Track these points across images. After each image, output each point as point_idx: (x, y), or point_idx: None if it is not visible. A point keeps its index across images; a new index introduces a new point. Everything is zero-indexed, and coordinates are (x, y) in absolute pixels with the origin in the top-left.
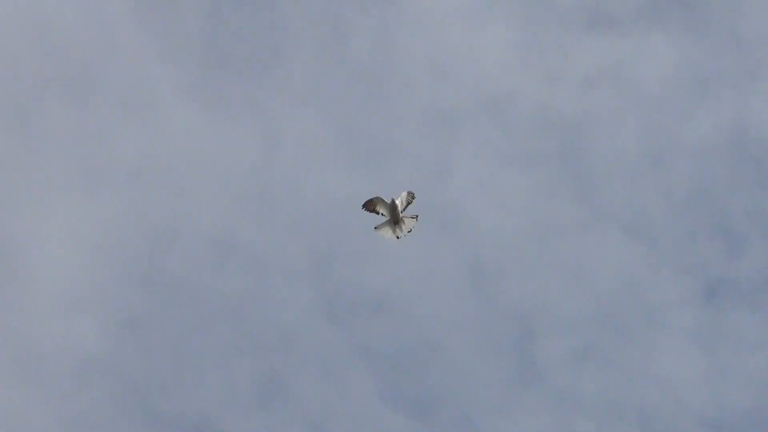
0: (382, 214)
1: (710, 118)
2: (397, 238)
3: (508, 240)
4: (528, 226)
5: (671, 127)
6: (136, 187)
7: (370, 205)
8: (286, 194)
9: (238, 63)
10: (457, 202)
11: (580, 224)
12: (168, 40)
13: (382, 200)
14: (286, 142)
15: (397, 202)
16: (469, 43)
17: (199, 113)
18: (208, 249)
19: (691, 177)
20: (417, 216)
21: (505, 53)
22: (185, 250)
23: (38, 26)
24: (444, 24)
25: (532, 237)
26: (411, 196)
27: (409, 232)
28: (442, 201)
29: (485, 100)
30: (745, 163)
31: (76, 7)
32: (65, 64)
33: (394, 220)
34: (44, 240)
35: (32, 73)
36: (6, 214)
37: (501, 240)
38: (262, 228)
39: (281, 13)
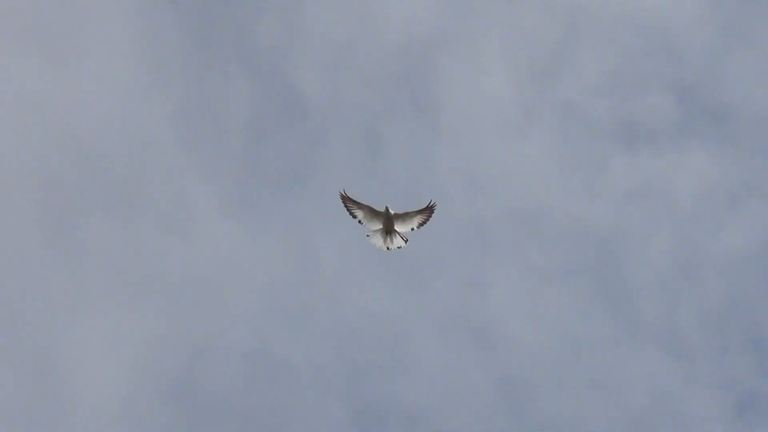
0: (360, 222)
1: (742, 232)
2: (387, 249)
3: (541, 354)
4: (560, 340)
5: (703, 240)
6: (174, 303)
7: (351, 204)
8: (322, 308)
9: (275, 178)
10: (492, 316)
11: (612, 338)
12: (206, 157)
13: (372, 209)
14: (323, 256)
15: (392, 212)
16: (505, 156)
17: (236, 228)
18: (244, 364)
19: (723, 291)
20: (407, 240)
21: (541, 167)
22: (222, 365)
23: (80, 144)
24: (480, 137)
25: (564, 351)
26: (426, 217)
27: (398, 248)
28: (477, 315)
29: (521, 214)
30: None
31: (118, 125)
32: (107, 181)
33: (387, 230)
34: (83, 356)
35: (75, 190)
36: (45, 330)
37: (534, 354)
38: (297, 342)
39: (317, 128)
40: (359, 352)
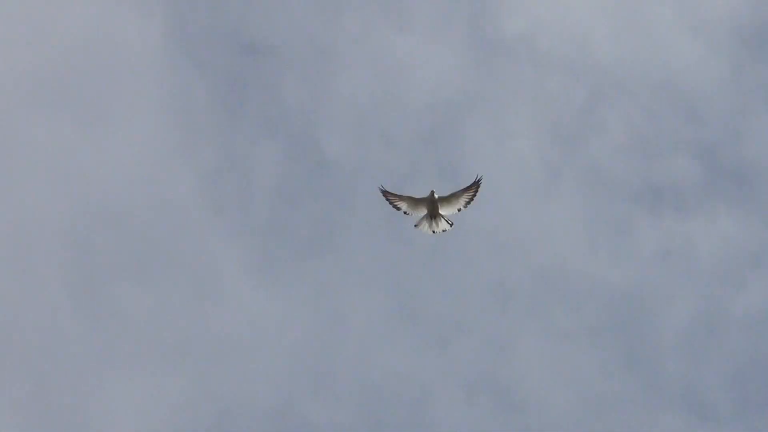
0: (405, 213)
1: (762, 293)
2: (433, 233)
3: (565, 415)
4: (584, 401)
5: (726, 301)
6: (201, 365)
7: (392, 197)
8: (347, 369)
9: (302, 240)
10: (515, 377)
11: (636, 399)
12: (234, 219)
13: (413, 198)
14: (348, 318)
15: (436, 196)
16: (531, 218)
17: (263, 291)
18: (270, 424)
19: (746, 351)
20: (453, 224)
21: (566, 229)
22: (248, 425)
23: (109, 207)
24: (506, 199)
25: (587, 412)
26: (472, 194)
27: (443, 231)
28: (501, 376)
29: (545, 275)
30: None
31: (146, 188)
32: (135, 243)
33: (432, 214)
34: (111, 419)
35: (103, 253)
36: (74, 394)
37: (557, 415)
38: (322, 403)
39: (343, 190)
40: (383, 412)
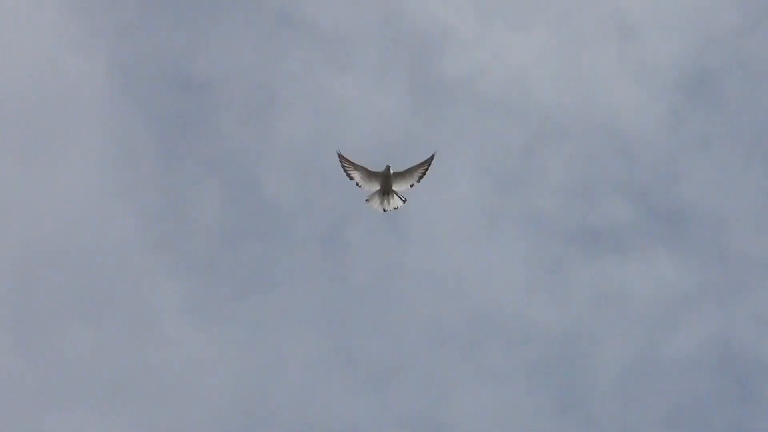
0: (357, 184)
1: (695, 335)
2: (384, 210)
3: None
4: None
5: (659, 343)
6: (142, 405)
7: (348, 165)
8: (285, 410)
9: (240, 280)
10: (452, 417)
11: None
12: (174, 259)
13: (369, 171)
14: (286, 358)
15: (391, 171)
16: (469, 261)
17: (202, 330)
18: None
19: (678, 393)
20: (406, 200)
21: (504, 272)
22: None
23: (49, 246)
24: (444, 241)
25: None
26: (426, 167)
27: (395, 209)
28: (438, 416)
29: (483, 317)
30: (728, 379)
31: (87, 227)
32: (75, 282)
33: (385, 190)
34: None
35: (43, 291)
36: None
37: None
38: None
39: (283, 231)
40: None
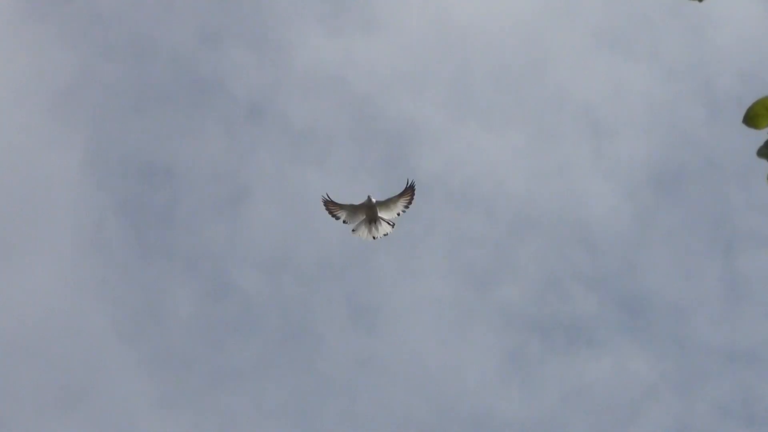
0: (344, 222)
1: (656, 424)
2: (374, 238)
3: None
4: None
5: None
6: None
7: (333, 207)
8: None
9: (212, 374)
10: None
11: None
12: (145, 353)
13: (352, 205)
14: None
15: (374, 200)
16: (442, 357)
17: (175, 424)
18: None
19: None
20: (394, 224)
21: (478, 368)
22: None
23: (20, 341)
24: (417, 337)
25: None
26: (409, 198)
27: (385, 235)
28: None
29: (462, 416)
30: None
31: (59, 322)
32: (48, 378)
33: (370, 219)
34: None
35: (15, 387)
36: None
37: None
38: None
39: (256, 326)
40: None
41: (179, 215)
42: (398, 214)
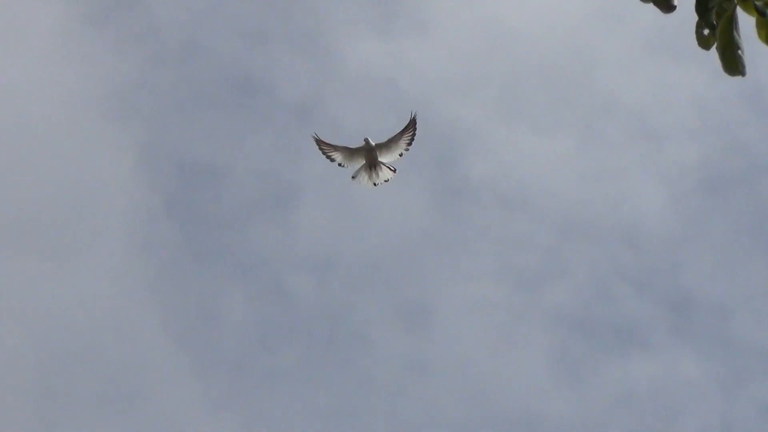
0: (341, 164)
1: (700, 422)
2: (374, 185)
3: None
4: None
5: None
6: None
7: (326, 147)
8: None
9: (265, 378)
10: None
11: None
12: (199, 357)
13: (349, 149)
14: None
15: (373, 143)
16: (495, 361)
17: (225, 429)
18: None
19: None
20: (396, 170)
21: (530, 372)
22: None
23: (73, 343)
24: (469, 341)
25: None
26: (411, 133)
27: (386, 181)
28: None
29: (510, 419)
30: None
31: (112, 326)
32: (100, 380)
33: (370, 164)
34: None
35: (68, 389)
36: None
37: None
38: None
39: (307, 330)
40: None
41: (230, 217)
42: (400, 155)
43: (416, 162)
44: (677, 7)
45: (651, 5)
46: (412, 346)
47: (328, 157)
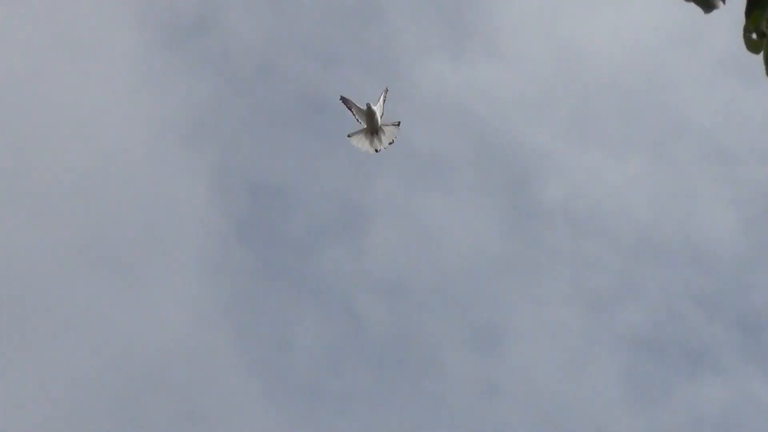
0: (358, 120)
1: None
2: (376, 151)
3: None
4: None
5: None
6: None
7: (349, 104)
8: None
9: (338, 400)
10: None
11: None
12: (270, 380)
13: (359, 110)
14: None
15: (375, 108)
16: (568, 383)
17: None
18: None
19: None
20: (399, 123)
21: (603, 395)
22: None
23: (146, 365)
24: (542, 364)
25: None
26: (385, 95)
27: (390, 143)
28: None
29: None
30: None
31: (184, 348)
32: (172, 401)
33: (372, 130)
34: None
35: (140, 410)
36: None
37: None
38: None
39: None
40: None
41: (301, 240)
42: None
43: (488, 184)
44: (719, 8)
45: (692, 5)
46: (484, 369)
47: (351, 112)
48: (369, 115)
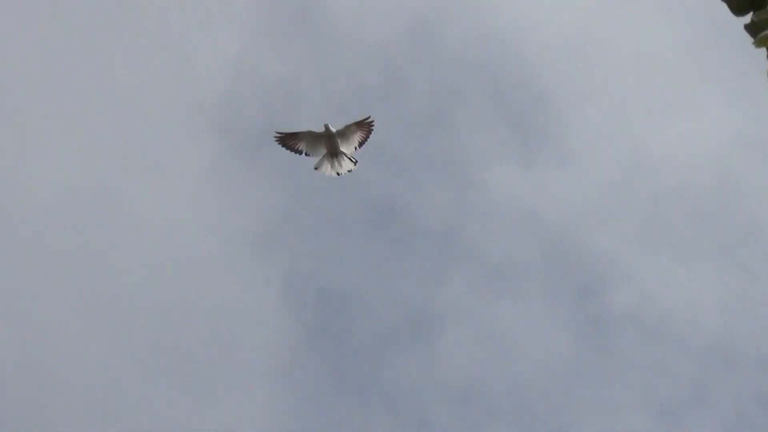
0: (307, 153)
1: None
2: (337, 174)
3: None
4: None
5: None
6: None
7: (290, 139)
8: None
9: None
10: None
11: None
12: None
13: (311, 132)
14: None
15: (333, 129)
16: None
17: None
18: None
19: None
20: (357, 162)
21: None
22: None
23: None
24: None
25: None
26: (365, 134)
27: (348, 171)
28: None
29: None
30: None
31: None
32: None
33: (332, 152)
34: None
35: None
36: None
37: None
38: None
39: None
40: None
41: (371, 346)
42: (355, 148)
43: (558, 291)
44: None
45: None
46: None
47: (294, 149)
48: (328, 136)
